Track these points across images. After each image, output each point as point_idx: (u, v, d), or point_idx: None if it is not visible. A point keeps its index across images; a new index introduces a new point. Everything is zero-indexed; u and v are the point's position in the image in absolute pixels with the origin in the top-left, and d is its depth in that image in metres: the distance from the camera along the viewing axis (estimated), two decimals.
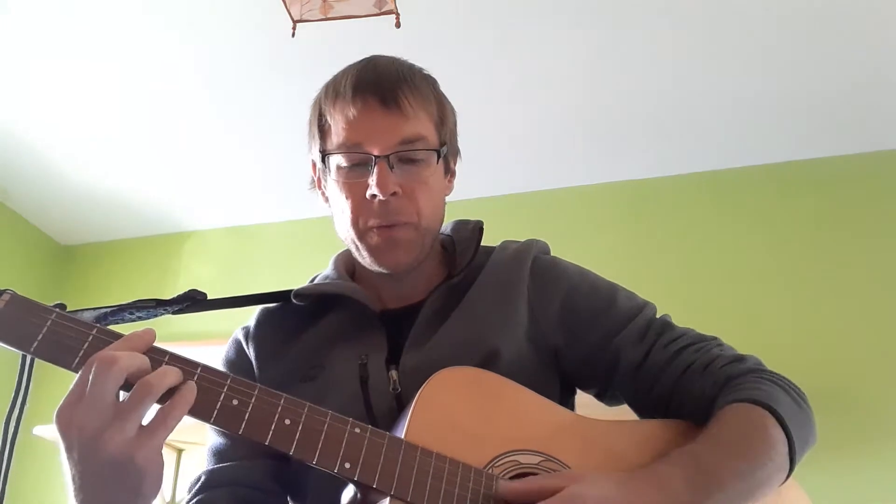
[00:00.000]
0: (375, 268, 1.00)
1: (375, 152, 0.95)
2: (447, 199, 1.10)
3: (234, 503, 0.96)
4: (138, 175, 3.24)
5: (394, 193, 0.95)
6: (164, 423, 0.71)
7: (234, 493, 0.96)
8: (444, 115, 1.03)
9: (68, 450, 0.70)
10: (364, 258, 1.01)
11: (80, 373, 0.71)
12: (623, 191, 3.14)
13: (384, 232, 0.97)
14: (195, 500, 0.97)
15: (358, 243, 1.00)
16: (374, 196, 0.95)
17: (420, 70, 1.04)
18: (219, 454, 1.01)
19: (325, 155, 1.00)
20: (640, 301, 1.05)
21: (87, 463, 0.69)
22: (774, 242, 2.88)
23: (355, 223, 0.98)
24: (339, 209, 1.00)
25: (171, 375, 0.72)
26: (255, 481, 0.98)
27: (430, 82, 1.05)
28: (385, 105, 0.96)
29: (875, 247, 2.76)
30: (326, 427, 0.77)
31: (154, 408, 0.72)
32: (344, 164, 0.98)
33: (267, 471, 0.98)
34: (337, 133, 0.98)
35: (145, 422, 0.71)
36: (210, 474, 0.99)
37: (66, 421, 0.69)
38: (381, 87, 0.96)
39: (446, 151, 1.03)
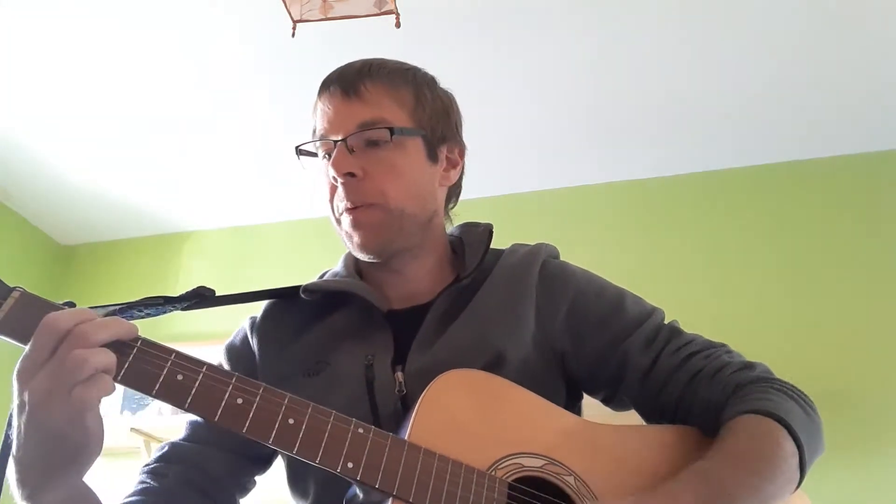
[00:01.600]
0: (357, 254, 1.02)
1: (336, 138, 0.98)
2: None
3: (183, 484, 0.97)
4: (138, 175, 3.24)
5: (352, 175, 0.96)
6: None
7: (186, 475, 0.98)
8: (421, 100, 1.03)
9: (20, 408, 0.71)
10: (346, 244, 1.03)
11: (39, 334, 0.71)
12: (626, 190, 3.14)
13: (350, 213, 0.98)
14: (151, 466, 1.00)
15: (338, 229, 1.02)
16: (334, 178, 0.97)
17: (401, 64, 1.06)
18: (192, 430, 1.03)
19: (299, 151, 1.03)
20: (648, 307, 1.05)
21: (34, 427, 0.70)
22: (775, 243, 2.88)
23: (331, 209, 1.01)
24: (325, 199, 1.03)
25: (110, 327, 0.73)
26: (210, 469, 0.99)
27: (411, 72, 1.06)
28: (345, 94, 0.99)
29: (877, 247, 2.76)
30: (330, 427, 0.77)
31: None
32: (321, 155, 1.02)
33: (228, 465, 1.00)
34: (315, 128, 1.03)
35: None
36: (173, 447, 1.01)
37: (25, 381, 0.70)
38: (343, 78, 1.01)
39: (424, 135, 1.02)
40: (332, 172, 0.97)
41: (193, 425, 1.03)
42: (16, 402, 0.71)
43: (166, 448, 1.02)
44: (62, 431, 0.70)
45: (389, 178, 0.98)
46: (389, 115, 0.99)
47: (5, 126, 2.94)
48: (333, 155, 0.97)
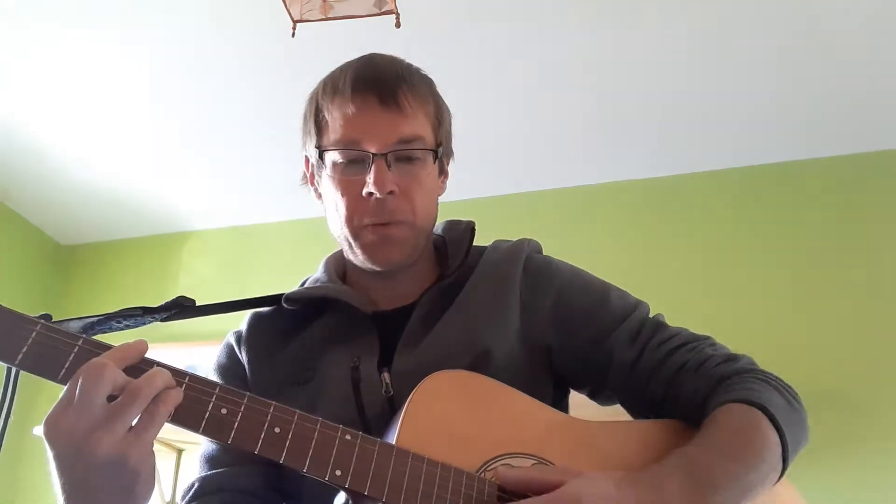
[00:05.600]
0: (368, 265, 1.00)
1: (373, 150, 0.95)
2: (442, 199, 1.10)
3: None
4: (139, 175, 3.24)
5: (391, 192, 0.95)
6: (151, 421, 0.70)
7: (226, 500, 0.96)
8: (441, 115, 1.03)
9: (57, 457, 0.69)
10: (357, 256, 1.01)
11: (69, 383, 0.70)
12: (625, 190, 3.13)
13: (379, 230, 0.97)
14: None
15: (352, 241, 1.00)
16: (370, 194, 0.95)
17: (417, 70, 1.05)
18: (211, 460, 1.00)
19: (321, 151, 0.99)
20: (632, 300, 1.05)
21: (77, 468, 0.68)
22: (774, 242, 2.87)
23: (350, 221, 0.98)
24: (333, 206, 1.00)
25: (159, 378, 0.71)
26: (247, 487, 0.97)
27: (428, 82, 1.05)
28: (384, 103, 0.96)
29: (875, 247, 2.76)
30: (317, 434, 0.76)
31: None
32: (340, 160, 0.98)
33: (259, 476, 0.98)
34: (334, 130, 0.98)
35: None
36: (202, 481, 0.99)
37: (54, 427, 0.68)
38: (380, 85, 0.97)
39: (442, 152, 1.03)
40: (371, 188, 0.94)
41: (210, 455, 1.01)
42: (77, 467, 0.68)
43: (196, 485, 0.98)
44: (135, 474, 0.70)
45: (419, 196, 0.98)
46: (423, 131, 0.99)
47: (6, 124, 2.94)
48: (373, 170, 0.94)
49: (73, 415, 0.68)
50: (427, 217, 1.01)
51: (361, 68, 0.99)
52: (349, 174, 0.97)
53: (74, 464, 0.68)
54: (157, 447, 0.73)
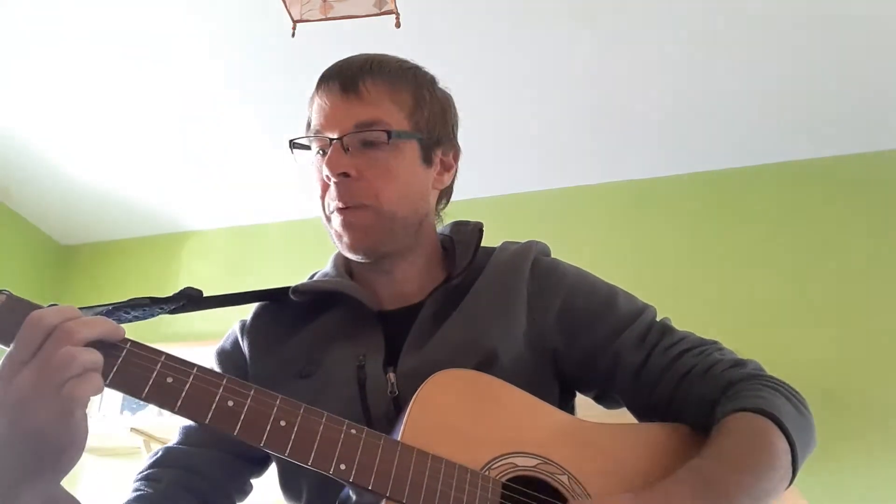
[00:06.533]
0: (346, 253, 1.01)
1: (332, 135, 0.97)
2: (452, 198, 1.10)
3: (177, 486, 0.97)
4: (139, 175, 3.24)
5: (346, 175, 0.96)
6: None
7: (180, 477, 0.98)
8: (420, 103, 1.02)
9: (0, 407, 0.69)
10: (335, 243, 1.02)
11: (24, 331, 0.69)
12: (625, 190, 3.13)
13: (341, 213, 0.97)
14: (145, 472, 1.00)
15: (327, 227, 1.01)
16: (328, 177, 0.96)
17: (401, 63, 1.04)
18: (185, 434, 1.03)
19: (292, 144, 1.02)
20: (639, 304, 1.05)
21: (15, 426, 0.68)
22: (775, 243, 2.88)
23: (322, 207, 1.01)
24: (316, 195, 1.02)
25: (97, 325, 0.71)
26: (205, 471, 0.99)
27: (412, 72, 1.04)
28: (344, 91, 0.98)
29: (875, 247, 2.76)
30: (322, 428, 0.76)
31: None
32: (314, 149, 1.01)
33: (220, 464, 1.00)
34: (310, 121, 1.02)
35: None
36: (167, 452, 1.01)
37: (8, 378, 0.68)
38: (342, 74, 0.99)
39: (421, 138, 1.01)
40: (325, 171, 0.96)
41: (187, 429, 1.03)
42: None
43: (160, 453, 1.01)
44: (47, 430, 0.67)
45: (383, 181, 0.97)
46: (387, 117, 0.98)
47: (6, 126, 2.94)
48: (328, 153, 0.96)
49: (27, 376, 0.68)
50: (400, 203, 0.98)
51: (335, 63, 1.02)
52: (319, 162, 0.99)
53: (14, 422, 0.68)
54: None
